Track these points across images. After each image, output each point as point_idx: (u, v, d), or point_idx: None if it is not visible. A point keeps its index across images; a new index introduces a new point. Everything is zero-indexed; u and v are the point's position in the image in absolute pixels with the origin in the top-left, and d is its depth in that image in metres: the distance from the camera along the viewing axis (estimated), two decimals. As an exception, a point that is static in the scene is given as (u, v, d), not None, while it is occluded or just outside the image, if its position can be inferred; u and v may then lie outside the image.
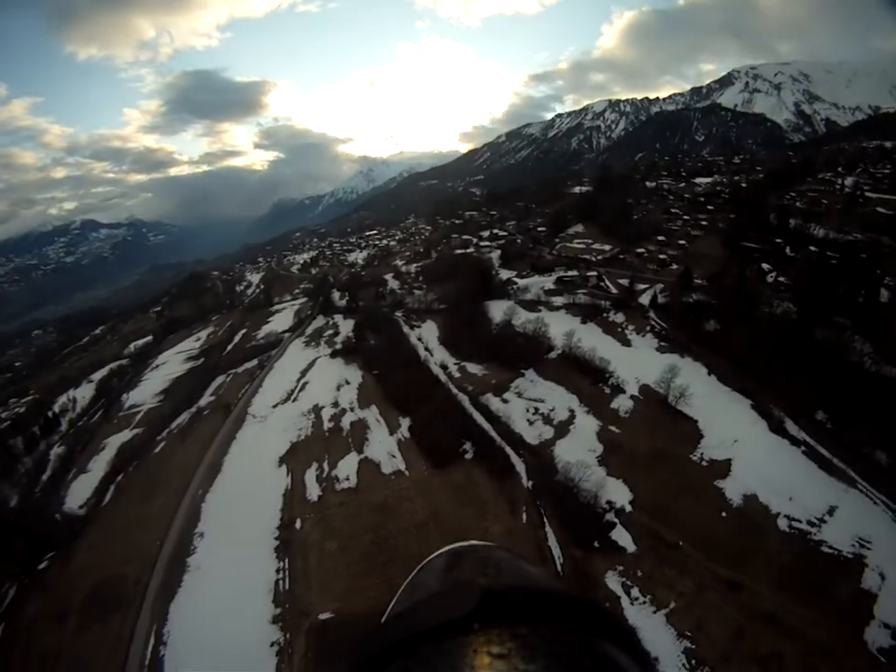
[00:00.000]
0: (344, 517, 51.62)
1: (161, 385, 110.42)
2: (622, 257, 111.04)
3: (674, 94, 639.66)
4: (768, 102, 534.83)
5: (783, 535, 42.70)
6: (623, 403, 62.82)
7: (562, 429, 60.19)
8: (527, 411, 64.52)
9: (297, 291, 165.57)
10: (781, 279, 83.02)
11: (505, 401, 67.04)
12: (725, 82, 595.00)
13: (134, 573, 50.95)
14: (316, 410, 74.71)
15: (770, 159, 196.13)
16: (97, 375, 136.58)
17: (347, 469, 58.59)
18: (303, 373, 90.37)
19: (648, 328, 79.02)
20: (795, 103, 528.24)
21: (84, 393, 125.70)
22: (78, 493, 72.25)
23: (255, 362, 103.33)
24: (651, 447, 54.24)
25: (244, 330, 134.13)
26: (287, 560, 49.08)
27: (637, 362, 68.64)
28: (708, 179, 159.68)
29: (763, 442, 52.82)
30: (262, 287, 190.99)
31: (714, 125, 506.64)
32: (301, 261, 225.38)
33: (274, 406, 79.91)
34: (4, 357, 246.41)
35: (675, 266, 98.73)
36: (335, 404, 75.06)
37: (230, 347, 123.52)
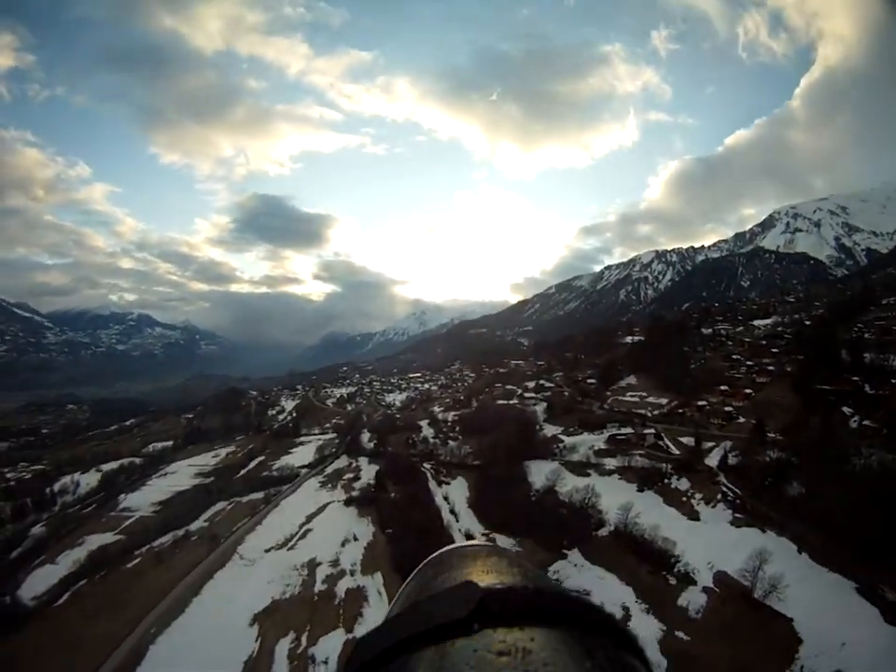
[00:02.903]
0: (308, 714, 42.09)
1: (162, 496, 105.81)
2: (681, 411, 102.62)
3: (718, 242, 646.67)
4: (809, 240, 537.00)
5: None
6: (693, 599, 50.71)
7: (613, 634, 48.65)
8: None
9: (327, 426, 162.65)
10: (866, 423, 73.14)
11: None
12: (767, 225, 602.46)
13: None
14: (312, 565, 66.37)
15: (825, 293, 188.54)
16: (107, 466, 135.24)
17: (328, 648, 48.91)
18: (309, 518, 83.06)
19: (719, 496, 67.75)
20: (836, 237, 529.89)
21: (89, 480, 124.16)
22: (37, 583, 68.39)
23: (261, 494, 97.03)
24: (732, 661, 41.40)
25: (262, 457, 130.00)
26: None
27: (709, 541, 57.42)
28: (767, 321, 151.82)
29: (880, 640, 40.12)
30: (294, 415, 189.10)
31: (758, 269, 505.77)
32: (338, 395, 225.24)
33: (267, 550, 72.24)
34: (34, 420, 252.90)
35: (742, 419, 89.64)
36: (335, 563, 66.66)
37: (242, 472, 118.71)
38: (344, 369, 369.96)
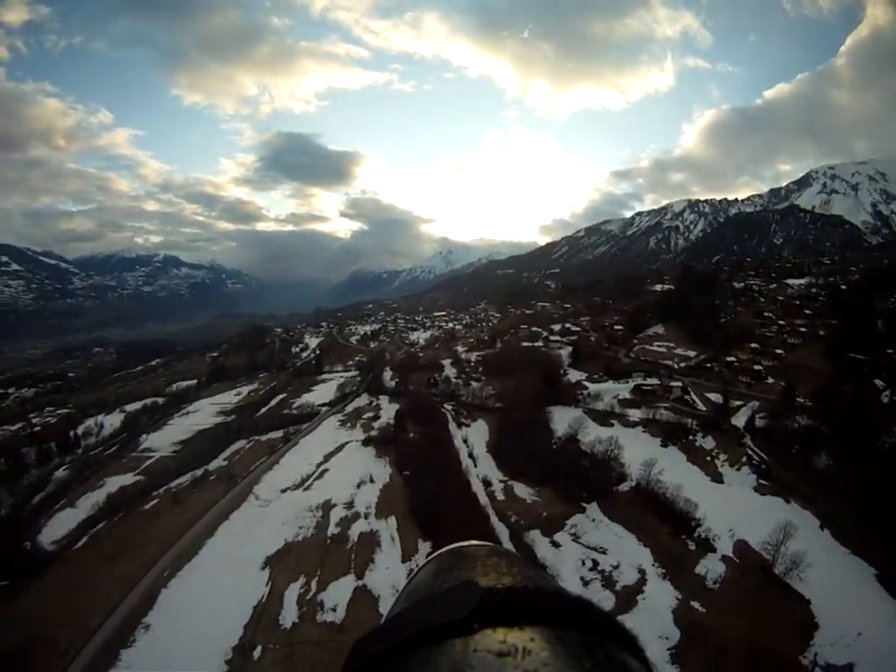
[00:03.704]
0: (316, 662, 41.01)
1: (183, 435, 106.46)
2: (709, 365, 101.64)
3: (752, 196, 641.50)
4: (846, 203, 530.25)
5: None
6: (711, 567, 49.03)
7: (626, 599, 46.87)
8: (583, 563, 51.72)
9: (350, 363, 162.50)
10: (899, 399, 70.47)
11: (556, 545, 54.82)
12: (804, 183, 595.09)
13: (65, 641, 44.55)
14: (327, 507, 65.57)
15: (860, 259, 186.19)
16: (131, 407, 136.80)
17: (338, 595, 48.21)
18: (327, 458, 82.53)
19: (744, 458, 66.23)
20: (872, 203, 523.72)
21: (113, 421, 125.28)
22: (57, 527, 68.39)
23: (281, 433, 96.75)
24: (747, 640, 39.83)
25: (283, 395, 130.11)
26: (230, 698, 39.57)
27: (731, 507, 55.72)
28: (801, 281, 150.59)
29: (894, 636, 38.76)
30: (317, 352, 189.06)
31: (792, 227, 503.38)
32: (362, 333, 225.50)
33: (283, 490, 71.81)
34: (60, 364, 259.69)
35: (771, 379, 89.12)
36: (349, 504, 65.79)
37: (263, 410, 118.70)
38: (370, 306, 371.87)
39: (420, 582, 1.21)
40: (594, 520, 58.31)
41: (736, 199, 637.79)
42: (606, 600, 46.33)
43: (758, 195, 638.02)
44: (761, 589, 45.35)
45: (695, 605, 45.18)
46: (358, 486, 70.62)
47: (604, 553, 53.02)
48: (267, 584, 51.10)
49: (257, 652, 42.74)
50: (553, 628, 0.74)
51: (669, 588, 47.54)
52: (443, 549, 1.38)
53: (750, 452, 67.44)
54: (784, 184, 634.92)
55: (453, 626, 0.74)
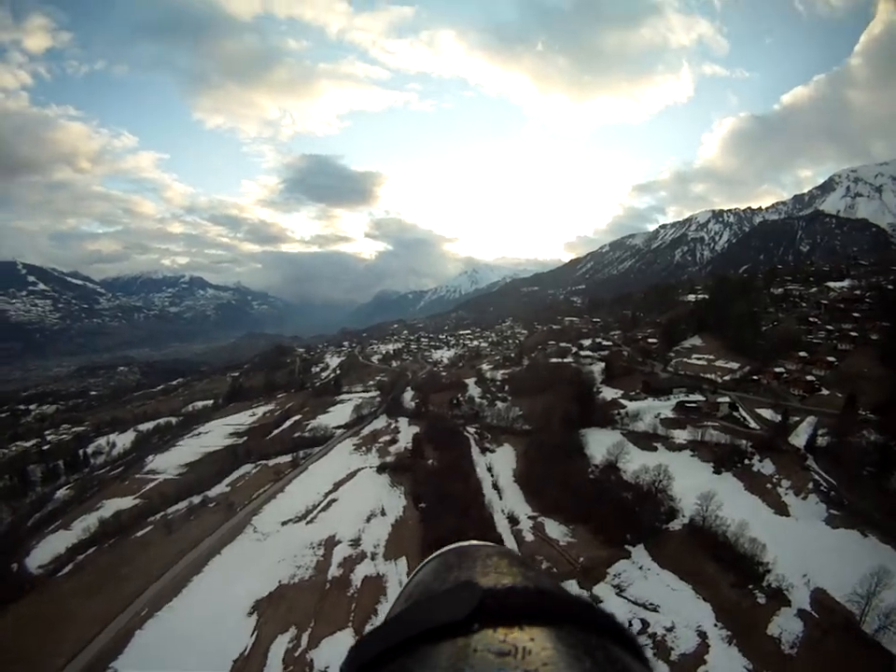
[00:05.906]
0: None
1: (190, 457, 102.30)
2: (755, 377, 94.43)
3: (776, 203, 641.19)
4: (870, 206, 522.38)
5: None
6: (787, 626, 40.00)
7: (686, 672, 38.44)
8: (630, 625, 42.56)
9: (371, 383, 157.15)
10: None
11: (597, 600, 45.71)
12: (827, 188, 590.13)
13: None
14: (330, 544, 58.80)
15: None
16: (144, 426, 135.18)
17: (331, 654, 40.98)
18: (336, 486, 75.88)
19: (810, 485, 57.55)
20: None
21: (125, 440, 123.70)
22: (46, 551, 65.93)
23: (289, 457, 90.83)
24: None
25: (298, 416, 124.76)
26: None
27: (802, 545, 47.11)
28: (843, 283, 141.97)
29: None
30: (337, 372, 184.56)
31: (818, 233, 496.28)
32: (384, 352, 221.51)
33: (284, 523, 65.41)
34: (83, 382, 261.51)
35: (826, 391, 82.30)
36: (356, 542, 58.83)
37: (275, 432, 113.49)
38: (395, 326, 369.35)
39: (420, 583, 1.19)
40: (641, 567, 50.02)
41: (760, 207, 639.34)
42: (661, 676, 38.19)
43: (782, 202, 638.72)
44: (845, 650, 37.01)
45: (770, 678, 36.68)
46: (368, 520, 63.74)
47: (655, 610, 44.58)
48: (252, 634, 44.56)
49: (231, 721, 36.18)
50: (553, 628, 0.74)
51: (737, 655, 38.96)
52: (444, 548, 1.35)
53: (816, 476, 59.14)
54: (806, 189, 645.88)
55: (453, 626, 0.73)
